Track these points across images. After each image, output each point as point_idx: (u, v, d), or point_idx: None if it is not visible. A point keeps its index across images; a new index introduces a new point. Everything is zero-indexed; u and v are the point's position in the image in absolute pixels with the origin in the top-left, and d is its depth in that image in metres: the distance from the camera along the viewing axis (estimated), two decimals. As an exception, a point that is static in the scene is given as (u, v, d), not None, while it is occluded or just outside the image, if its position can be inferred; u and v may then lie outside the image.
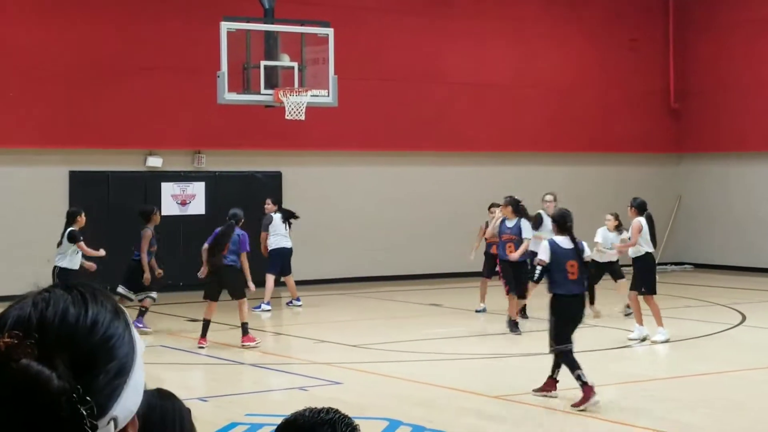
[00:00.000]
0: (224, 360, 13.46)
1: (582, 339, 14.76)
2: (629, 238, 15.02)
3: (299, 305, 18.47)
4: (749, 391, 11.46)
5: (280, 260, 18.13)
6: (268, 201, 18.54)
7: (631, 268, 14.89)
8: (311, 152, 21.87)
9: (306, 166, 21.92)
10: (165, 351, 14.02)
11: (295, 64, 17.28)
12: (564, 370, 10.64)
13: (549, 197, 17.34)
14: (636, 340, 14.46)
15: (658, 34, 25.54)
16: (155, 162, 20.51)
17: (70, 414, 1.27)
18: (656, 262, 15.13)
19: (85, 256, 15.02)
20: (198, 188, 20.94)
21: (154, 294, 15.56)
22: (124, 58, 20.02)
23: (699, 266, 25.10)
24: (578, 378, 10.38)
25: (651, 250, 14.64)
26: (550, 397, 10.79)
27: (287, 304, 18.70)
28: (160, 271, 15.59)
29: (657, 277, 14.88)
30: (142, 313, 15.47)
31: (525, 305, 16.03)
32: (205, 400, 10.88)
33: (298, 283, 18.97)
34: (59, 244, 14.97)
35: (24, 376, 1.27)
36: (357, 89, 21.33)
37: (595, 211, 24.39)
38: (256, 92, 17.04)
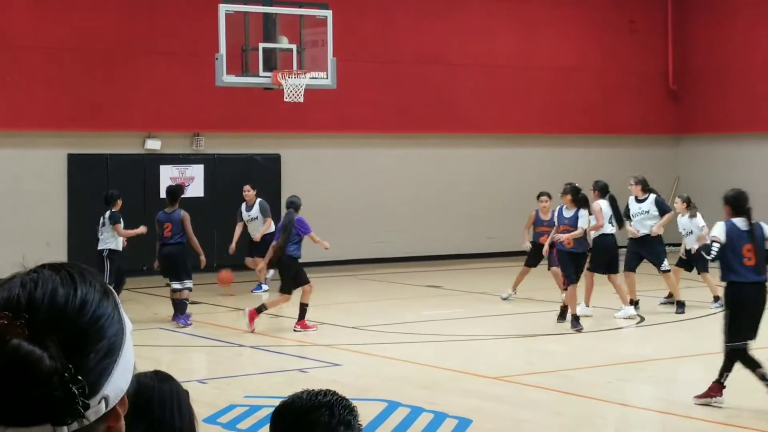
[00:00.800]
0: (224, 342, 13.48)
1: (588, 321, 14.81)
2: (703, 227, 14.93)
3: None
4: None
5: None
6: (248, 188, 17.80)
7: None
8: (310, 134, 21.84)
9: (305, 148, 21.90)
10: (164, 333, 14.03)
11: (294, 47, 17.23)
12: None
13: (632, 180, 15.96)
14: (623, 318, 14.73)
15: (657, 16, 25.48)
16: (154, 144, 20.50)
17: (62, 394, 1.27)
18: (617, 242, 15.30)
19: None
20: (197, 171, 20.94)
21: (189, 283, 14.48)
22: (122, 41, 19.97)
23: (698, 248, 25.09)
24: (762, 378, 9.32)
25: (612, 231, 14.97)
26: (715, 405, 9.48)
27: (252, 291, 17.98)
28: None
29: (624, 256, 15.28)
30: (181, 306, 14.34)
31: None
32: (204, 382, 10.89)
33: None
34: (101, 227, 15.21)
35: (15, 356, 1.27)
36: (357, 71, 21.28)
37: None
38: (255, 75, 17.01)
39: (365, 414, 5.41)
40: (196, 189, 20.91)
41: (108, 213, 15.29)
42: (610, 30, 24.87)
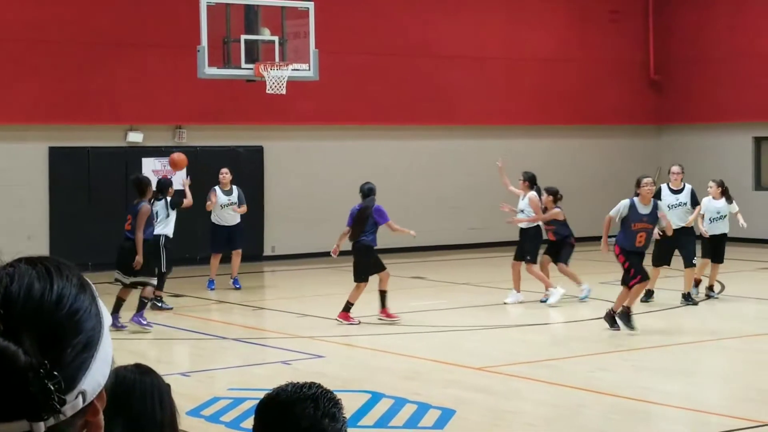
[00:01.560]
0: (206, 335, 13.46)
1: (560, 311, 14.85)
2: (732, 212, 14.98)
3: (212, 289, 17.23)
4: (729, 359, 11.55)
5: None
6: (225, 171, 17.40)
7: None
8: (293, 126, 21.81)
9: (288, 140, 21.87)
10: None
11: (276, 38, 17.19)
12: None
13: (676, 168, 15.31)
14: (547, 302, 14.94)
15: (638, 6, 25.53)
16: (136, 137, 20.43)
17: (38, 389, 1.27)
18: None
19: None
20: (179, 163, 20.83)
21: (153, 281, 13.64)
22: (104, 33, 19.87)
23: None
24: None
25: (539, 222, 15.19)
26: None
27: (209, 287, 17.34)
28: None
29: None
30: (141, 305, 13.30)
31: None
32: (188, 375, 10.88)
33: (282, 257, 18.96)
34: (158, 215, 14.69)
35: None
36: (341, 63, 21.26)
37: (577, 183, 24.48)
38: (237, 67, 16.96)
39: (349, 405, 5.42)
40: (178, 181, 20.82)
41: (165, 200, 15.00)
42: (592, 20, 24.91)
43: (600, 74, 25.05)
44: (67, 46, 19.62)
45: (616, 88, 25.20)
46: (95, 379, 1.33)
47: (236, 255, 17.41)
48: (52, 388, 1.27)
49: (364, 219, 13.74)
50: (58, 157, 19.73)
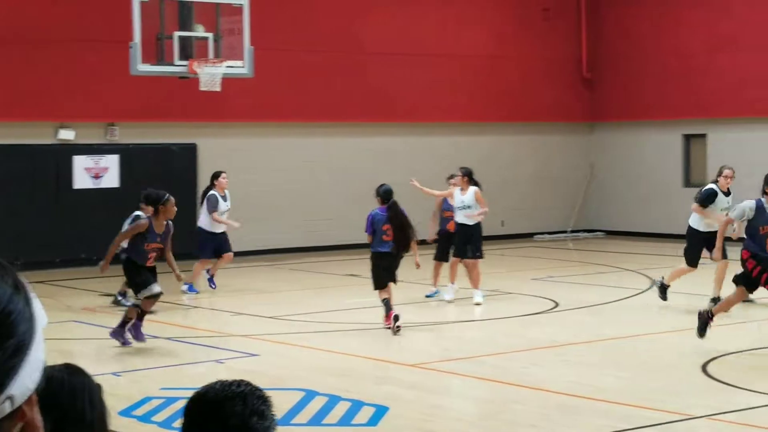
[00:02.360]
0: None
1: (499, 307, 14.98)
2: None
3: (193, 291, 16.71)
4: (660, 353, 11.74)
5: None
6: (223, 175, 16.75)
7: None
8: (227, 124, 21.70)
9: (221, 137, 21.75)
10: (78, 326, 13.85)
11: (210, 35, 17.10)
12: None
13: (728, 171, 14.56)
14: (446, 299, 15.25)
15: (570, 4, 25.80)
16: (67, 135, 20.17)
17: None
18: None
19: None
20: (111, 161, 20.66)
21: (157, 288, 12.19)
22: (34, 28, 19.59)
23: (610, 233, 25.54)
24: None
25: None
26: None
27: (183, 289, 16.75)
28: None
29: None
30: (139, 317, 12.10)
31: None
32: (119, 375, 10.79)
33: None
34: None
35: None
36: (275, 60, 21.20)
37: (514, 180, 24.69)
38: (170, 63, 16.84)
39: (282, 403, 5.40)
40: (111, 179, 20.64)
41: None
42: (526, 18, 25.11)
43: (535, 72, 25.28)
44: (-4, 41, 19.31)
45: (551, 86, 25.45)
46: (24, 383, 1.30)
47: (228, 257, 16.70)
48: None
49: (408, 223, 13.06)
50: (-13, 154, 19.42)
